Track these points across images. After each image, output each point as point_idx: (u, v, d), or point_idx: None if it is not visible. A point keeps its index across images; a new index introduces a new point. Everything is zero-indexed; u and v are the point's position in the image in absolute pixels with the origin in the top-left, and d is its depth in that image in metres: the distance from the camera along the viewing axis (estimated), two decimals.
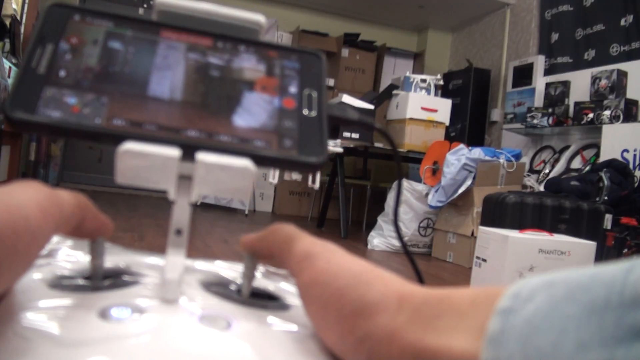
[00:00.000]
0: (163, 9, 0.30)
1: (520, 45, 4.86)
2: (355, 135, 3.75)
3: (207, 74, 0.29)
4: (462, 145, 3.46)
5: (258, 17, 0.32)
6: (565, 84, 4.11)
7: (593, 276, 0.17)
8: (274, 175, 3.57)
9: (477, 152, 3.33)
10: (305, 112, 0.29)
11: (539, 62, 4.47)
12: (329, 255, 0.26)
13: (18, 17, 3.57)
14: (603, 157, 3.29)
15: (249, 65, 0.30)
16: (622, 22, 3.81)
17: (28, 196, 0.22)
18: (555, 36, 4.46)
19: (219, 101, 0.28)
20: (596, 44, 4.03)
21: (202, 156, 0.25)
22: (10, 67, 3.05)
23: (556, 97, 4.16)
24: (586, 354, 0.16)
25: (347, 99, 3.78)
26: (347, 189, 4.19)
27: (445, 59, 5.99)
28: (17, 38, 3.38)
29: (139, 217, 3.53)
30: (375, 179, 4.91)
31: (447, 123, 4.11)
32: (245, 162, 0.26)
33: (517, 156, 3.40)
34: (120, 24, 0.29)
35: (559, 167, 3.94)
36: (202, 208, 4.51)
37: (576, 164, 3.90)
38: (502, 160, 3.33)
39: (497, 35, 5.19)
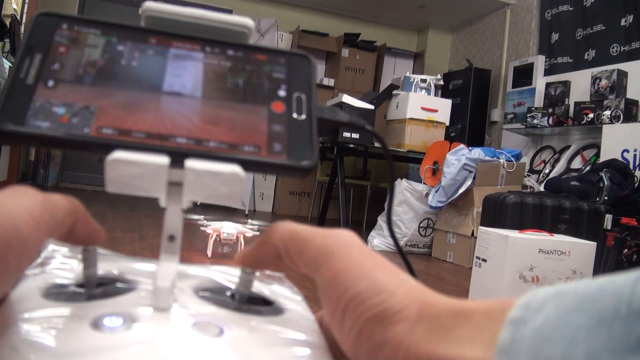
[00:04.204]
0: (150, 14, 0.30)
1: (520, 45, 4.86)
2: (355, 136, 3.75)
3: (195, 80, 0.29)
4: (462, 146, 3.46)
5: (246, 21, 0.31)
6: (566, 84, 4.11)
7: (601, 286, 0.18)
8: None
9: (477, 152, 3.33)
10: (294, 115, 0.29)
11: (539, 62, 4.47)
12: (346, 253, 0.25)
13: (18, 17, 3.57)
14: (603, 157, 3.30)
15: (237, 69, 0.30)
16: (622, 22, 3.81)
17: (19, 203, 0.22)
18: (555, 36, 4.46)
19: (208, 106, 0.28)
20: (596, 44, 4.03)
21: (191, 163, 0.25)
22: (10, 67, 3.05)
23: (556, 97, 4.16)
24: None
25: (347, 99, 3.78)
26: (347, 189, 4.20)
27: (445, 59, 5.99)
28: (17, 38, 3.38)
29: (139, 217, 3.53)
30: (375, 179, 4.91)
31: (447, 123, 4.11)
32: (234, 168, 0.26)
33: (517, 156, 3.41)
34: (108, 31, 0.29)
35: (559, 167, 3.94)
36: (202, 207, 4.51)
37: (576, 164, 3.90)
38: (502, 160, 3.33)
39: (497, 35, 5.19)
